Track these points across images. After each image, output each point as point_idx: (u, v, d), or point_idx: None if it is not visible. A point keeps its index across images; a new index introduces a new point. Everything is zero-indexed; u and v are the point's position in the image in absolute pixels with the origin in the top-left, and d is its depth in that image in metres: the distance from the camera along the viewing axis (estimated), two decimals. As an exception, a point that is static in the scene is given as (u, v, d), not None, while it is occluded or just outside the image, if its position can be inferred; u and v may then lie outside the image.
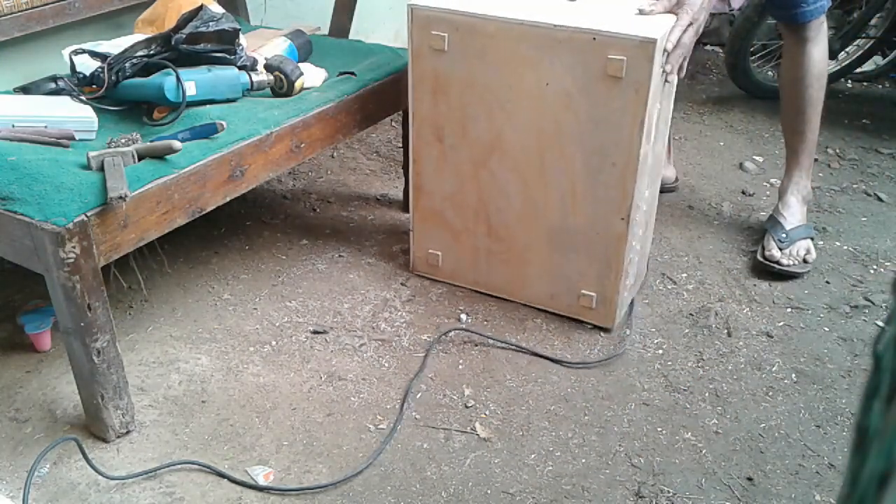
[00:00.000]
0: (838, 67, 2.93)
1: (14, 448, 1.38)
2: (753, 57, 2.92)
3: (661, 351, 1.65)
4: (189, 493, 1.30)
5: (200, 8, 1.64)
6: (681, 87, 3.13)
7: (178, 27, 1.61)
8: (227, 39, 1.61)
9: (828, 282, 1.88)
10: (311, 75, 1.76)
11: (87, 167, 1.33)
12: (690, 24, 1.45)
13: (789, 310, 1.78)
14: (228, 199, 1.42)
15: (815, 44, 1.85)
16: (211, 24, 1.61)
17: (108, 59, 1.59)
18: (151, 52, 1.60)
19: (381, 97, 1.84)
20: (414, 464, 1.37)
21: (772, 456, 1.40)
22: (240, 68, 1.63)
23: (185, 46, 1.58)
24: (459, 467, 1.37)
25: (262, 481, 1.32)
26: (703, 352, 1.65)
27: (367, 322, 1.71)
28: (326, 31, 2.30)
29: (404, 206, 2.12)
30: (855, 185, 2.34)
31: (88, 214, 1.22)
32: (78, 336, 1.27)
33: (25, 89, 1.63)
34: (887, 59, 3.05)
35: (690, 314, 1.78)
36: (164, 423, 1.43)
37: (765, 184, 2.36)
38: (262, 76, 1.65)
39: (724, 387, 1.55)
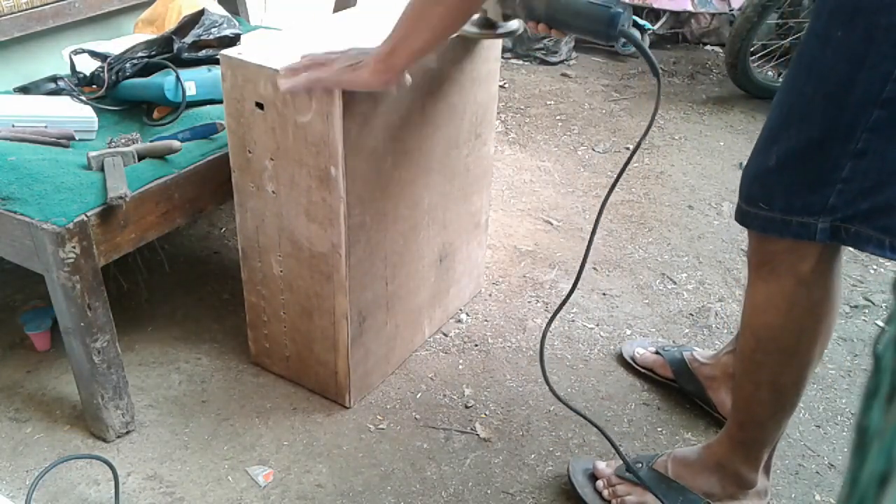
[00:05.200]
0: None
1: (14, 448, 1.38)
2: (753, 57, 2.92)
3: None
4: (189, 493, 1.30)
5: (202, 13, 1.64)
6: (681, 87, 3.14)
7: (180, 31, 1.61)
8: (229, 45, 1.61)
9: (828, 282, 1.88)
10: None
11: (87, 167, 1.33)
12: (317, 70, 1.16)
13: (789, 310, 1.78)
14: (228, 198, 1.42)
15: (765, 282, 1.08)
16: (213, 30, 1.61)
17: (108, 59, 1.59)
18: (152, 53, 1.60)
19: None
20: (414, 464, 1.37)
21: (772, 456, 1.40)
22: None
23: (188, 54, 1.58)
24: (459, 467, 1.37)
25: (262, 481, 1.32)
26: (703, 352, 1.65)
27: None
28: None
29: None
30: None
31: (88, 214, 1.22)
32: (78, 336, 1.27)
33: (25, 89, 1.63)
34: None
35: (690, 314, 1.78)
36: (164, 423, 1.43)
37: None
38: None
39: (724, 387, 1.55)
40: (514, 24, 1.28)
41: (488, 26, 1.28)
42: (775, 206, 1.00)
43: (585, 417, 1.30)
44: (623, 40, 1.11)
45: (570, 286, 1.19)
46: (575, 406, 1.30)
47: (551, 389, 1.25)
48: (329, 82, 1.15)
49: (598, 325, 1.73)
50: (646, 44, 3.35)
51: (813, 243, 0.99)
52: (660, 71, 1.02)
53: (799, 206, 0.98)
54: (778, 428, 1.19)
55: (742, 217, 1.06)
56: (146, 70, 1.58)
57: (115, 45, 1.70)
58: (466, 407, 1.50)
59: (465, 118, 1.50)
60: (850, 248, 0.99)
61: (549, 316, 1.22)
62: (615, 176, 1.11)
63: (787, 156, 0.97)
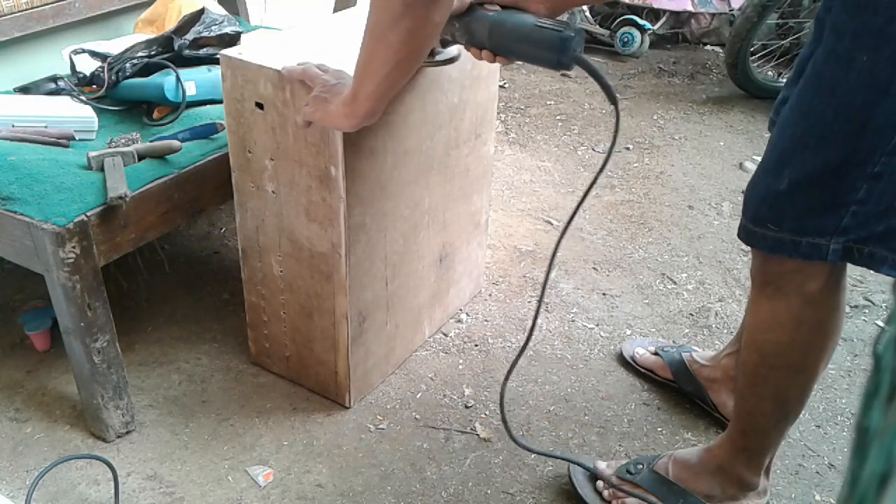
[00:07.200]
0: None
1: (14, 448, 1.38)
2: (753, 57, 2.92)
3: (661, 351, 1.65)
4: (189, 493, 1.30)
5: (202, 11, 1.64)
6: (681, 87, 3.14)
7: (180, 30, 1.61)
8: (229, 43, 1.61)
9: (828, 282, 1.88)
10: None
11: (87, 167, 1.33)
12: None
13: (789, 310, 1.78)
14: (228, 199, 1.42)
15: (770, 300, 1.07)
16: (213, 27, 1.62)
17: (108, 59, 1.59)
18: (152, 52, 1.60)
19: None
20: (414, 464, 1.37)
21: (772, 456, 1.40)
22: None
23: (189, 52, 1.58)
24: (459, 467, 1.37)
25: (262, 481, 1.32)
26: (703, 352, 1.65)
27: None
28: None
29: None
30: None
31: (88, 214, 1.22)
32: (78, 336, 1.27)
33: (25, 89, 1.63)
34: None
35: (690, 314, 1.78)
36: (164, 423, 1.43)
37: (765, 184, 2.35)
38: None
39: (724, 387, 1.55)
40: (454, 51, 1.20)
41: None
42: (785, 227, 0.99)
43: (547, 454, 1.36)
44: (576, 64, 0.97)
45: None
46: (535, 448, 1.34)
47: (510, 434, 1.23)
48: (305, 115, 1.15)
49: (598, 325, 1.73)
50: (646, 44, 3.35)
51: (822, 263, 0.99)
52: (617, 98, 0.95)
53: (810, 227, 0.97)
54: (781, 435, 1.19)
55: (748, 237, 1.05)
56: (146, 70, 1.58)
57: (115, 45, 1.70)
58: (466, 407, 1.50)
59: (465, 118, 1.50)
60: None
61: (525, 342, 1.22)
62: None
63: (800, 179, 0.96)
